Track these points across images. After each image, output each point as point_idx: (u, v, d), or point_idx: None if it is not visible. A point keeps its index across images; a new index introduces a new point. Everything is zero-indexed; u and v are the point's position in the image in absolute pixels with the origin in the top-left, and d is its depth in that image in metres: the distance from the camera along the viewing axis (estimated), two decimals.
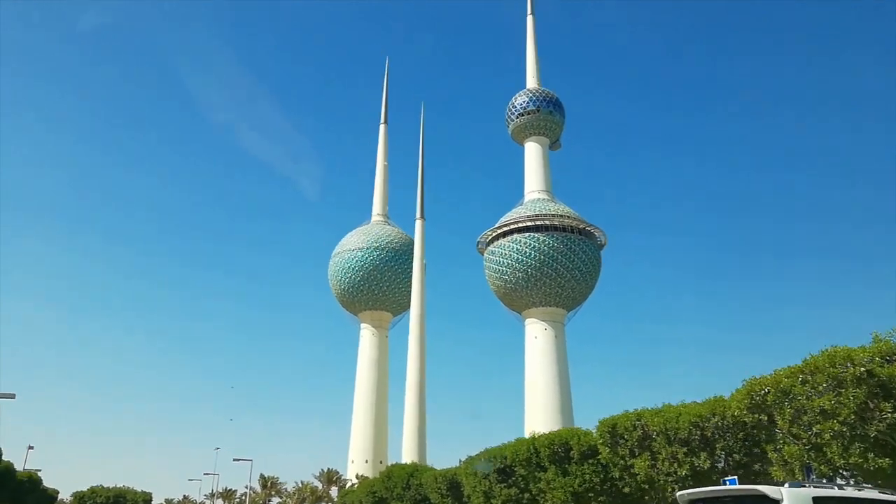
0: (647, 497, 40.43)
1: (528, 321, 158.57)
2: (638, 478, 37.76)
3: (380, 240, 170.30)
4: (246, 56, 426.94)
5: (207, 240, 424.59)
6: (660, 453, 35.44)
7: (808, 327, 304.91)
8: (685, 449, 34.37)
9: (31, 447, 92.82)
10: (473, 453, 66.68)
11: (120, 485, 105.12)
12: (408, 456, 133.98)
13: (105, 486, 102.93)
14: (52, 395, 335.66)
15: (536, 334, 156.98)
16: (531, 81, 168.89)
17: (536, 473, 47.45)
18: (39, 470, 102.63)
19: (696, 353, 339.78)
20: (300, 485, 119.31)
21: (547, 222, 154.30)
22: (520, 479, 51.90)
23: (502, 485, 53.08)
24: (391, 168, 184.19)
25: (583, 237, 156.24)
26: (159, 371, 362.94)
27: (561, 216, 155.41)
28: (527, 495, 51.64)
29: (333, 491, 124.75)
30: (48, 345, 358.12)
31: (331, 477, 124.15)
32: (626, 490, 40.27)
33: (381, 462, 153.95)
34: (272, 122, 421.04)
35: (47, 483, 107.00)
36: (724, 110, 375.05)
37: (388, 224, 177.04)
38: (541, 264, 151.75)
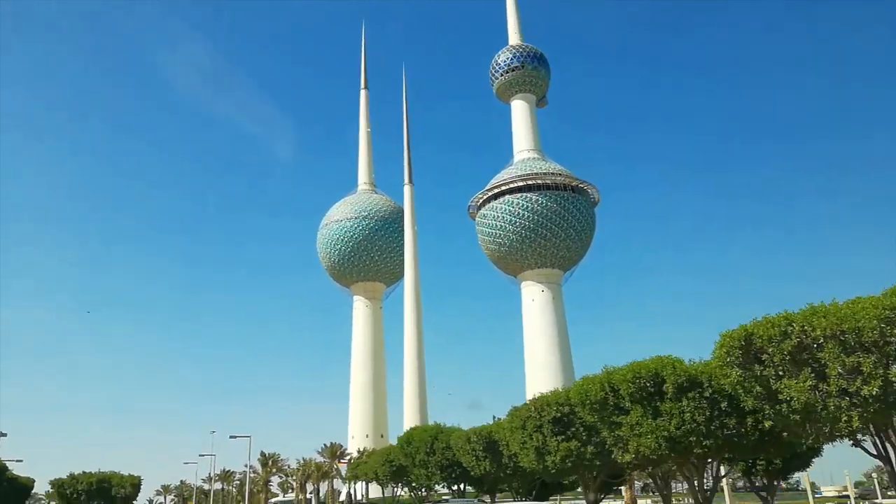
0: (785, 434, 29.53)
1: (523, 284, 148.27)
2: (785, 406, 26.52)
3: (368, 208, 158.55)
4: (221, 34, 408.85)
5: (193, 224, 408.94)
6: (830, 367, 24.25)
7: (809, 275, 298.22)
8: (873, 357, 23.22)
9: (3, 434, 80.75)
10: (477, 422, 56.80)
11: (105, 470, 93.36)
12: (410, 427, 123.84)
13: (87, 471, 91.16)
14: (40, 384, 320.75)
15: (533, 297, 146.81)
16: (514, 38, 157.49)
17: (615, 417, 36.29)
18: (20, 460, 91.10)
19: (697, 307, 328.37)
20: (303, 461, 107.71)
21: (539, 181, 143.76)
22: (581, 429, 41.08)
23: (559, 437, 42.15)
24: (374, 137, 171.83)
25: (576, 194, 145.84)
26: (149, 356, 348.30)
27: (553, 174, 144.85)
28: (591, 448, 40.75)
29: (339, 467, 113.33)
30: (37, 335, 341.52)
31: (335, 451, 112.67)
32: (767, 425, 29.27)
33: (381, 436, 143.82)
34: (248, 98, 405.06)
35: (31, 473, 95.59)
36: (713, 72, 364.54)
37: (376, 192, 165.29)
38: (535, 224, 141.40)
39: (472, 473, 55.00)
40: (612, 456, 39.08)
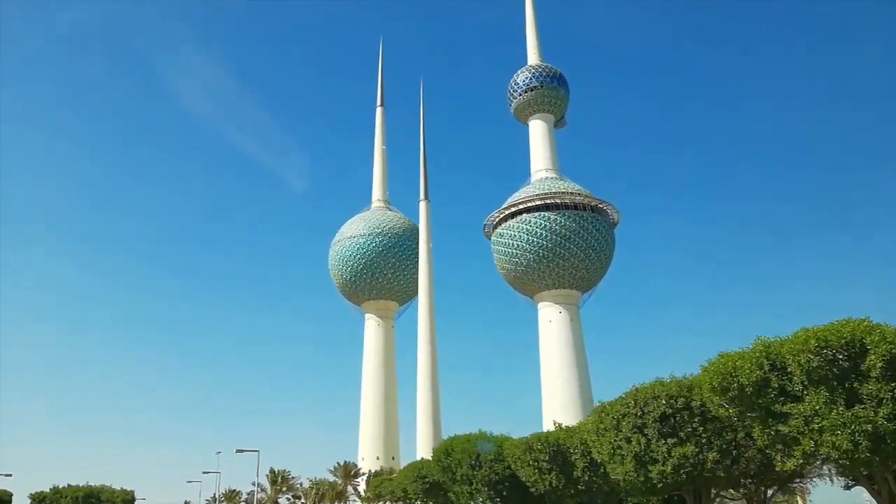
0: None
1: (540, 305, 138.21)
2: None
3: (382, 225, 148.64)
4: (234, 47, 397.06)
5: (202, 241, 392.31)
6: None
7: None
8: None
9: None
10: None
11: (95, 483, 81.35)
12: (423, 451, 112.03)
13: (74, 484, 79.14)
14: (38, 397, 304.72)
15: (550, 318, 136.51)
16: (532, 58, 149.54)
17: (777, 407, 25.13)
18: (9, 475, 79.40)
19: (718, 333, 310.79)
20: (314, 481, 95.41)
21: (557, 200, 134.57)
22: (700, 429, 29.89)
23: (670, 440, 30.90)
24: (389, 154, 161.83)
25: (595, 215, 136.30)
26: (152, 373, 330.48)
27: (571, 193, 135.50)
28: (712, 454, 29.58)
29: (355, 486, 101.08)
30: (39, 347, 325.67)
31: (349, 470, 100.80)
32: None
33: (392, 458, 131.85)
34: (258, 118, 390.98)
35: (23, 489, 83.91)
36: (741, 91, 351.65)
37: (390, 209, 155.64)
38: (553, 244, 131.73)
39: (533, 490, 43.65)
40: (742, 462, 27.81)
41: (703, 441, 30.93)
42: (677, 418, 31.65)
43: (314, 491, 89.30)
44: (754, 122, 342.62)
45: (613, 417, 34.32)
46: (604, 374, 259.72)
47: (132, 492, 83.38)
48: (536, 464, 42.70)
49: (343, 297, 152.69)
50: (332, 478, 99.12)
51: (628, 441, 33.21)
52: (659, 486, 32.66)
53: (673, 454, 31.21)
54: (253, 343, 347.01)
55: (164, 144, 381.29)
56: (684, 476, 31.31)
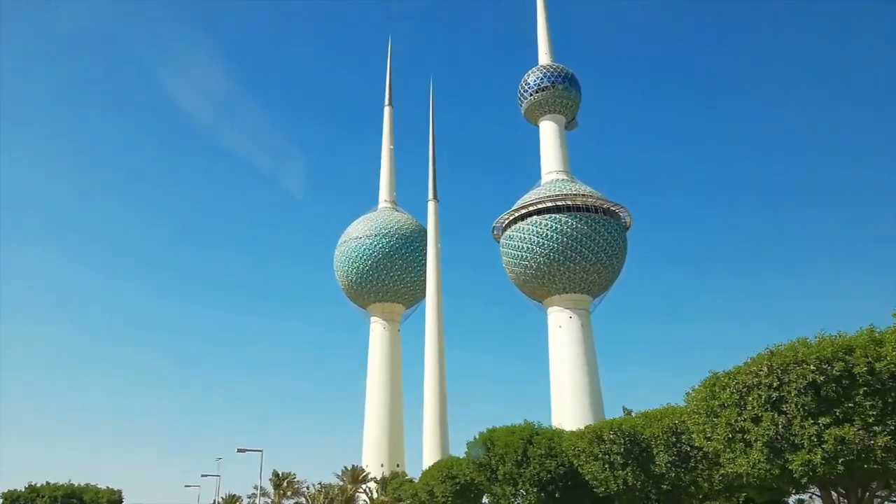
0: None
1: (550, 310, 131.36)
2: None
3: (388, 226, 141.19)
4: (233, 53, 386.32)
5: (202, 242, 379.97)
6: None
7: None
8: None
9: None
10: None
11: (79, 482, 72.16)
12: (429, 458, 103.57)
13: (53, 483, 69.93)
14: (36, 398, 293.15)
15: (560, 323, 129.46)
16: (544, 58, 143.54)
17: None
18: None
19: (729, 338, 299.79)
20: (321, 485, 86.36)
21: (569, 202, 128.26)
22: (864, 402, 21.21)
23: (822, 420, 22.27)
24: (396, 154, 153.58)
25: (607, 217, 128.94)
26: (149, 376, 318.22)
27: (583, 195, 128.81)
28: (884, 438, 20.94)
29: (365, 491, 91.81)
30: (38, 349, 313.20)
31: (356, 475, 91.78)
32: None
33: (397, 465, 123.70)
34: (257, 119, 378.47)
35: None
36: (757, 94, 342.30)
37: (397, 210, 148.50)
38: (563, 247, 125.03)
39: (599, 490, 34.61)
40: None
41: (871, 420, 22.30)
42: (831, 389, 23.02)
43: (322, 495, 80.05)
44: (756, 123, 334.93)
45: (734, 391, 25.64)
46: (615, 380, 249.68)
47: (119, 491, 74.44)
48: (607, 458, 33.96)
49: (348, 299, 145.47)
50: (337, 482, 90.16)
51: (757, 421, 24.53)
52: (803, 480, 23.99)
53: (825, 438, 22.53)
54: (254, 346, 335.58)
55: (164, 144, 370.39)
56: (842, 467, 22.62)
